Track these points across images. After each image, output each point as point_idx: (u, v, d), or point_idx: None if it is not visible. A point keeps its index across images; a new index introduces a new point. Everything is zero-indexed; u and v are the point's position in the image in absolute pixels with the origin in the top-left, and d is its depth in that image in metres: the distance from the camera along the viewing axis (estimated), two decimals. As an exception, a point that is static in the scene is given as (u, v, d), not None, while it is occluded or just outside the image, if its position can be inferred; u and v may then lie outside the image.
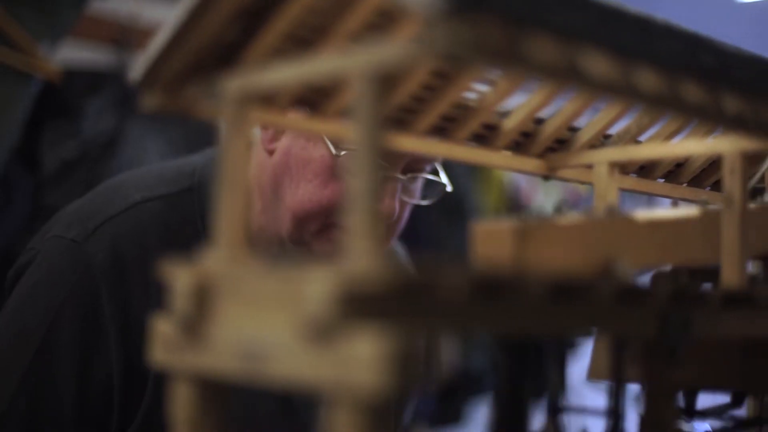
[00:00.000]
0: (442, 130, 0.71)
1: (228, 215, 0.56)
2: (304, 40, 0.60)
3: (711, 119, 0.56)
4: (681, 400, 0.75)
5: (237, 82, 0.55)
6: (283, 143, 1.06)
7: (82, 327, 1.04)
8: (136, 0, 2.26)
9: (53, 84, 1.85)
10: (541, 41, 0.48)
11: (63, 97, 1.93)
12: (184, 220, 1.07)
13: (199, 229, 1.07)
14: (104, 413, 1.04)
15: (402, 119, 0.69)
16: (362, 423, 0.45)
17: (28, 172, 1.93)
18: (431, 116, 0.69)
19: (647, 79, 0.53)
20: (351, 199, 0.49)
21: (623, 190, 0.82)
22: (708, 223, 0.69)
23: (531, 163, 0.76)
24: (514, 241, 0.58)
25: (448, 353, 0.60)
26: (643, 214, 0.66)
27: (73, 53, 2.04)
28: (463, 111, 0.70)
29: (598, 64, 0.51)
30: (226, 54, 0.60)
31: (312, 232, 1.06)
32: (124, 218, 1.07)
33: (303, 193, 1.04)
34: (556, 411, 0.63)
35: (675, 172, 0.85)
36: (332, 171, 1.03)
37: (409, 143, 0.70)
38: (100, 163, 1.93)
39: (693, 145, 0.70)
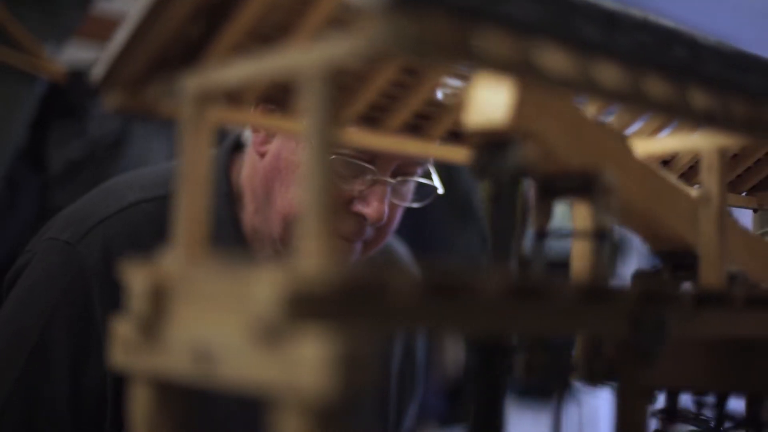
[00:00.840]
0: (417, 128, 0.70)
1: (187, 216, 0.55)
2: (268, 37, 0.59)
3: (677, 115, 0.54)
4: (664, 402, 0.73)
5: (195, 81, 0.55)
6: (274, 146, 1.06)
7: (76, 327, 1.04)
8: (141, 0, 2.26)
9: (58, 85, 1.85)
10: (495, 35, 0.47)
11: (68, 97, 1.93)
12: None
13: None
14: (99, 413, 1.04)
15: (374, 117, 0.68)
16: (308, 426, 0.44)
17: (34, 172, 1.93)
18: (404, 114, 0.68)
19: (608, 73, 0.51)
20: (302, 198, 0.48)
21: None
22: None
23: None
24: (515, 98, 0.55)
25: (455, 352, 0.60)
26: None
27: (79, 53, 2.05)
28: (437, 108, 0.69)
29: (555, 58, 0.50)
30: (190, 52, 0.59)
31: None
32: (118, 219, 1.08)
33: (293, 196, 1.03)
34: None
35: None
36: None
37: (383, 142, 0.69)
38: (106, 164, 1.93)
39: (670, 142, 0.69)
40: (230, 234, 1.09)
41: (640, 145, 0.70)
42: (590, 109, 0.70)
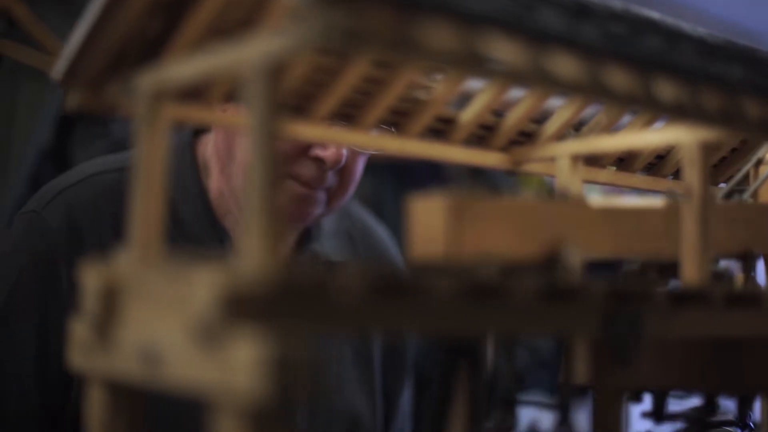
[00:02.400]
0: (394, 124, 0.69)
1: (142, 215, 0.55)
2: (228, 32, 0.58)
3: (642, 107, 0.53)
4: (651, 403, 0.71)
5: (148, 78, 0.54)
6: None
7: (42, 290, 1.07)
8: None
9: (82, 85, 1.86)
10: (438, 27, 0.46)
11: (92, 97, 1.94)
12: None
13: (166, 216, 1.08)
14: (65, 376, 1.05)
15: (348, 114, 0.67)
16: (244, 429, 0.43)
17: (58, 173, 1.94)
18: (379, 110, 0.66)
19: (564, 65, 0.50)
20: (245, 194, 0.47)
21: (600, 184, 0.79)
22: (672, 215, 0.65)
23: (494, 157, 0.73)
24: (451, 219, 0.55)
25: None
26: (599, 201, 0.63)
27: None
28: (414, 104, 0.68)
29: (506, 50, 0.48)
30: (150, 49, 0.58)
31: None
32: (79, 188, 1.12)
33: None
34: (508, 404, 0.61)
35: (657, 164, 0.81)
36: None
37: (358, 138, 0.68)
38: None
39: (651, 136, 0.67)
40: (197, 203, 1.11)
41: (617, 140, 0.68)
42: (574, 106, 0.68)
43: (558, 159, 0.71)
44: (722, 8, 2.92)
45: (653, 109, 0.53)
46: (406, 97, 0.67)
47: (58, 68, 0.58)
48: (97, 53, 0.57)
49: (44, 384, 1.06)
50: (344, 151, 1.05)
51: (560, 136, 0.73)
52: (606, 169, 0.77)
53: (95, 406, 0.54)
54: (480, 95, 0.69)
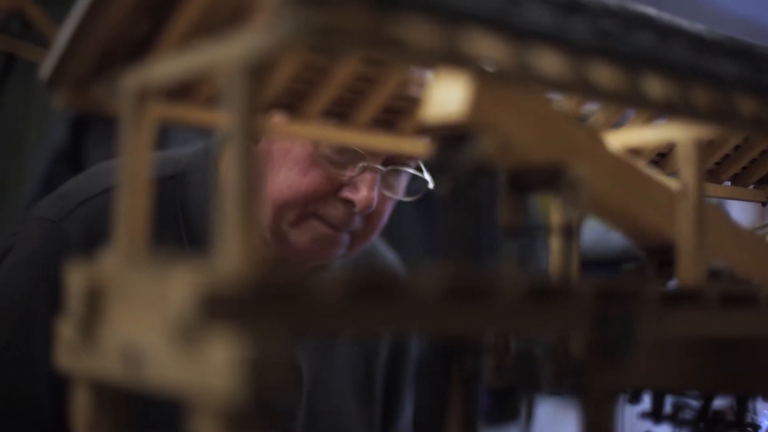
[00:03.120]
0: (388, 123, 0.68)
1: (128, 216, 0.54)
2: (215, 31, 0.57)
3: (630, 105, 0.52)
4: (649, 404, 0.71)
5: (133, 77, 0.54)
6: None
7: (58, 304, 1.06)
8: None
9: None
10: (418, 24, 0.45)
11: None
12: (163, 205, 1.08)
13: (177, 216, 1.08)
14: None
15: (341, 112, 0.66)
16: (220, 431, 0.43)
17: (72, 172, 1.95)
18: (372, 108, 0.66)
19: (548, 61, 0.49)
20: (224, 194, 0.46)
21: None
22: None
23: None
24: (473, 90, 0.52)
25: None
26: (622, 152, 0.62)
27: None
28: (407, 103, 0.67)
29: (488, 47, 0.47)
30: (138, 49, 0.58)
31: (290, 222, 1.05)
32: (100, 200, 1.09)
33: (282, 181, 1.03)
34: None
35: (659, 162, 0.81)
36: (312, 159, 1.03)
37: (352, 137, 0.67)
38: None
39: (646, 134, 0.66)
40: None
41: (616, 136, 0.68)
42: (567, 103, 0.68)
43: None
44: (738, 4, 2.89)
45: (641, 107, 0.52)
46: (401, 95, 0.66)
47: (45, 68, 0.58)
48: (83, 53, 0.57)
49: (59, 397, 1.05)
50: (375, 197, 1.03)
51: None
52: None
53: (81, 407, 0.53)
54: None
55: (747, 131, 0.60)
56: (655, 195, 0.63)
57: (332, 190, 1.03)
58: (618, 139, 0.67)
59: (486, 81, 0.52)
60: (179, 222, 1.08)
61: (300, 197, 1.03)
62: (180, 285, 0.44)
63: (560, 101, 0.67)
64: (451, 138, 0.54)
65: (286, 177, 1.02)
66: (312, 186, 1.03)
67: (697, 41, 0.60)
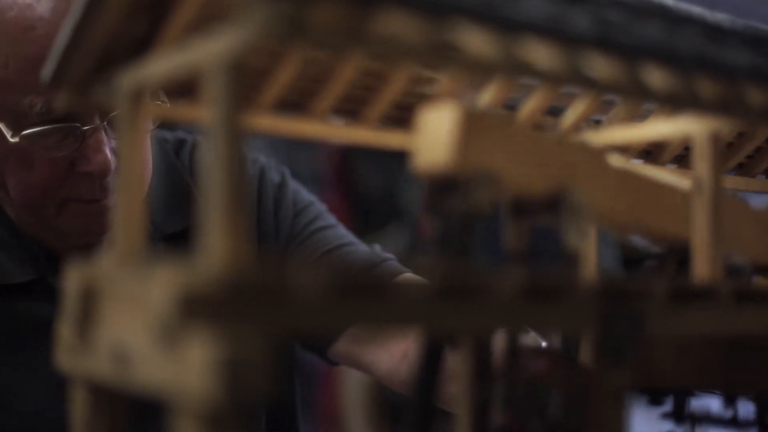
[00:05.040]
0: (400, 120, 0.67)
1: (124, 215, 0.54)
2: (213, 28, 0.57)
3: (629, 96, 0.50)
4: (671, 404, 0.69)
5: (129, 77, 0.54)
6: None
7: None
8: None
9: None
10: (398, 17, 0.44)
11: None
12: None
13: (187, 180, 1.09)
14: None
15: (352, 110, 0.66)
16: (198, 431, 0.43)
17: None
18: (382, 105, 0.65)
19: (541, 54, 0.48)
20: (207, 194, 0.46)
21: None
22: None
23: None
24: (460, 129, 0.52)
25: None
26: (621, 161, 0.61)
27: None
28: (418, 99, 0.66)
29: (476, 40, 0.46)
30: (137, 49, 0.58)
31: (52, 216, 0.99)
32: None
33: (18, 184, 0.98)
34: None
35: (686, 156, 0.78)
36: (28, 153, 0.96)
37: (364, 135, 0.67)
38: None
39: (662, 127, 0.64)
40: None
41: (629, 131, 0.66)
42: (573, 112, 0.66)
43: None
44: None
45: (642, 99, 0.51)
46: (410, 91, 0.66)
47: (46, 70, 0.58)
48: (82, 54, 0.57)
49: None
50: (109, 155, 0.94)
51: (577, 128, 0.71)
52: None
53: (78, 407, 0.54)
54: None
55: (755, 122, 0.57)
56: (666, 200, 0.62)
57: (66, 172, 0.96)
58: (635, 134, 0.66)
59: (473, 120, 0.51)
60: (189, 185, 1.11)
61: (40, 193, 0.97)
62: (160, 285, 0.44)
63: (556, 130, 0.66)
64: (441, 185, 0.53)
65: (20, 179, 0.98)
66: (42, 178, 0.97)
67: (711, 31, 0.58)
